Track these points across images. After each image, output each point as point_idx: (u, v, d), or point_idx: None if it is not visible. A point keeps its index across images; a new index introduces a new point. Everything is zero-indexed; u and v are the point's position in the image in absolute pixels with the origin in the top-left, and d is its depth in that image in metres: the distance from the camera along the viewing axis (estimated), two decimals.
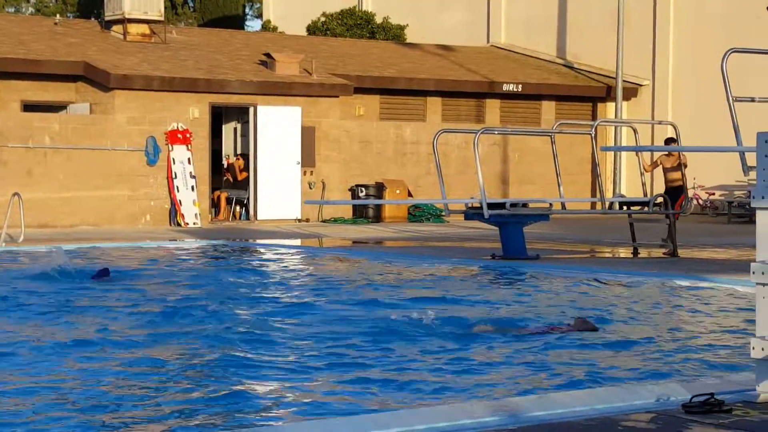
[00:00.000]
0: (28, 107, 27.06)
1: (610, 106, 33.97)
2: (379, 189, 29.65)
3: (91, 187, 26.14)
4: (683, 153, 20.18)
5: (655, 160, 21.03)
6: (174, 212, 26.86)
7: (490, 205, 18.05)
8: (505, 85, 32.82)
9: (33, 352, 9.46)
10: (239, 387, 8.14)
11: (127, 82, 26.69)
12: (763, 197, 6.62)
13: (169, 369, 8.83)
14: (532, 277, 15.98)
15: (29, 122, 25.83)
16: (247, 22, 58.01)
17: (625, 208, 21.32)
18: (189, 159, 27.09)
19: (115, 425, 6.99)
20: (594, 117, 33.75)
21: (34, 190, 25.04)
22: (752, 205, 6.70)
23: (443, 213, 27.60)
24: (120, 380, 8.35)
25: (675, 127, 19.93)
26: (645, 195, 21.08)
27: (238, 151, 29.82)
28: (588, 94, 34.46)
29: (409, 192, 30.17)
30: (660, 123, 22.76)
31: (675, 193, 20.26)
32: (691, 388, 6.94)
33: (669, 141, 21.04)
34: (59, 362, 9.03)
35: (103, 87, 26.79)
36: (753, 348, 6.64)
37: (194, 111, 27.45)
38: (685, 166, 20.27)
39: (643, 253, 19.71)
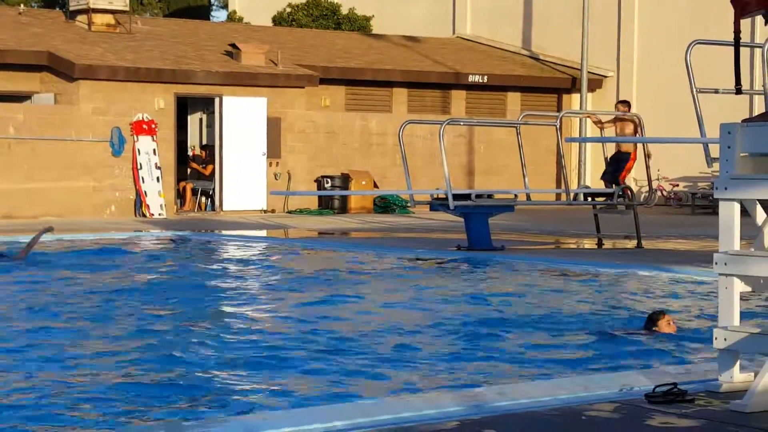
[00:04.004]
0: None
1: (575, 98, 34.07)
2: (345, 180, 29.64)
3: (56, 178, 25.99)
4: (647, 144, 20.24)
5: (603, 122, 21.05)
6: (139, 203, 26.76)
7: (456, 196, 18.08)
8: (470, 76, 32.86)
9: None
10: (209, 378, 8.12)
11: (91, 72, 26.55)
12: (726, 188, 6.67)
13: (124, 363, 8.79)
14: (498, 267, 16.03)
15: None
16: (212, 13, 57.81)
17: (589, 199, 21.40)
18: (154, 150, 26.98)
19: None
20: (559, 108, 33.80)
21: None
22: (715, 197, 6.75)
23: (409, 204, 27.59)
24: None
25: (639, 119, 19.99)
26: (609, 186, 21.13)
27: (204, 142, 29.72)
28: (553, 86, 34.55)
29: (374, 183, 30.15)
30: (624, 114, 22.81)
31: (617, 163, 20.36)
32: (654, 378, 6.99)
33: (620, 103, 20.98)
34: None
35: (68, 77, 26.64)
36: (715, 338, 6.70)
37: (159, 101, 27.33)
38: (650, 157, 20.31)
39: (607, 244, 19.80)
